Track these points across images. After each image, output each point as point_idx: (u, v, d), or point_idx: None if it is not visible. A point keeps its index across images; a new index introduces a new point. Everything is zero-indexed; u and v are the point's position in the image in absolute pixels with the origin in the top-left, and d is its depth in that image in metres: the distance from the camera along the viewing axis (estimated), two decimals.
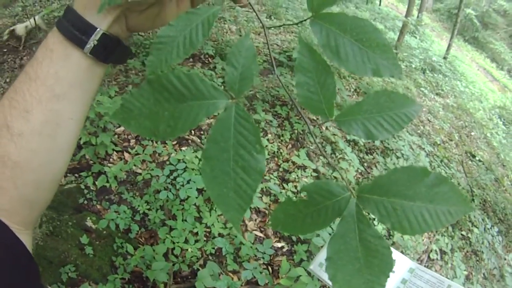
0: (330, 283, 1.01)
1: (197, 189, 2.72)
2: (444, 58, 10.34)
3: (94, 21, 0.58)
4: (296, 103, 0.56)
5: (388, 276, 0.48)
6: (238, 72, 0.52)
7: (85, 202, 2.66)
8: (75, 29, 0.57)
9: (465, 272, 3.87)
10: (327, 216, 0.50)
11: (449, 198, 0.47)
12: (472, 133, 7.04)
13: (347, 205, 0.50)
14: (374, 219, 0.50)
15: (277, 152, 3.58)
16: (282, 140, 3.75)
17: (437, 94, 7.92)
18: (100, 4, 0.52)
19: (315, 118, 4.22)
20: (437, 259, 3.80)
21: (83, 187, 2.71)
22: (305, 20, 0.57)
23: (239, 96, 0.51)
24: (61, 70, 0.58)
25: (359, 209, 0.49)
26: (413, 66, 8.39)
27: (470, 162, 5.93)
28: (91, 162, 2.88)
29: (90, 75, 0.61)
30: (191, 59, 4.41)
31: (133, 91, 0.50)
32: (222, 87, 0.49)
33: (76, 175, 2.81)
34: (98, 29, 0.58)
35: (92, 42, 0.58)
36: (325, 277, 1.03)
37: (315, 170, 3.53)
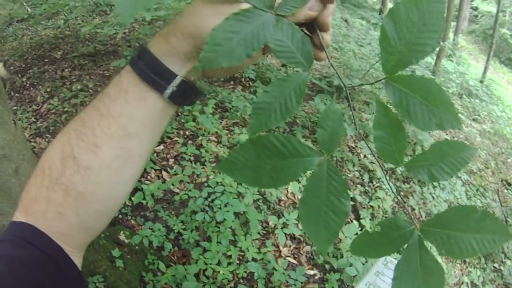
0: None
1: (234, 213, 2.73)
2: (481, 81, 10.13)
3: (174, 68, 0.58)
4: (373, 153, 0.66)
5: (443, 285, 0.58)
6: (327, 133, 0.61)
7: (120, 216, 2.70)
8: (152, 73, 0.58)
9: None
10: (396, 244, 0.61)
11: (493, 230, 0.57)
12: (509, 160, 6.84)
13: (411, 236, 0.60)
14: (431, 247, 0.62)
15: None
16: None
17: (473, 120, 7.75)
18: (194, 68, 0.57)
19: (354, 146, 4.19)
20: None
21: None
22: (380, 81, 0.65)
23: (329, 154, 0.60)
24: (135, 111, 0.59)
25: (421, 239, 0.59)
26: (450, 91, 8.24)
27: (505, 191, 5.78)
28: None
29: (163, 116, 0.63)
30: (232, 82, 4.46)
31: (237, 149, 0.58)
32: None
33: None
34: (178, 76, 0.59)
35: (171, 88, 0.59)
36: None
37: (352, 199, 3.49)
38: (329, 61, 0.67)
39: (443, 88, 0.59)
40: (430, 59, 9.22)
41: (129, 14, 0.47)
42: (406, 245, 0.60)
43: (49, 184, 0.58)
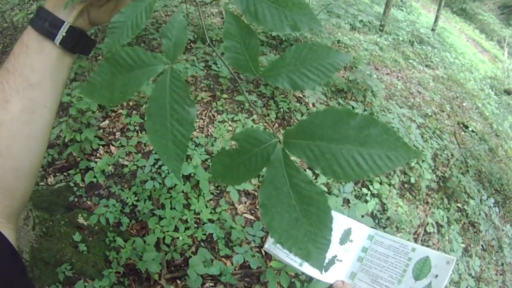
0: (286, 260, 0.99)
1: (183, 176, 2.71)
2: (432, 30, 10.27)
3: (62, 16, 0.67)
4: (228, 66, 0.64)
5: (331, 229, 0.47)
6: (172, 42, 0.62)
7: (76, 199, 2.66)
8: (47, 24, 0.66)
9: (463, 245, 3.88)
10: (257, 163, 0.52)
11: (383, 142, 0.45)
12: (464, 104, 7.02)
13: (273, 151, 0.51)
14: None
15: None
16: (269, 120, 3.73)
17: (426, 65, 7.88)
18: (65, 2, 0.63)
19: (301, 95, 4.20)
20: (434, 232, 3.81)
21: (72, 184, 2.70)
22: None
23: (174, 61, 0.61)
24: (35, 61, 0.66)
25: (286, 154, 0.50)
26: (401, 38, 8.33)
27: (463, 133, 5.92)
28: (78, 159, 2.86)
29: (60, 65, 0.70)
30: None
31: (96, 69, 0.61)
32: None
33: (65, 173, 2.80)
34: (65, 22, 0.67)
35: (61, 34, 0.66)
36: (280, 255, 1.01)
37: None
38: None
39: None
40: (378, 8, 9.28)
41: None
42: (268, 164, 0.52)
43: None
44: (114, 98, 0.60)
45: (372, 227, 1.06)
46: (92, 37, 0.74)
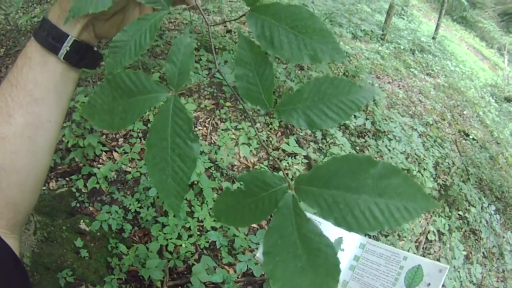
0: None
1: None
2: (433, 38, 10.31)
3: (66, 29, 0.64)
4: (238, 96, 0.58)
5: (338, 281, 0.44)
6: (177, 68, 0.57)
7: (78, 205, 2.65)
8: (50, 37, 0.64)
9: (464, 252, 3.88)
10: (264, 208, 0.48)
11: (403, 192, 0.42)
12: (465, 112, 7.03)
13: (283, 197, 0.47)
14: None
15: (267, 140, 3.57)
16: (271, 128, 3.72)
17: (427, 74, 7.90)
18: (66, 16, 0.58)
19: None
20: (435, 240, 3.80)
21: (74, 190, 2.69)
22: (244, 15, 0.58)
23: (178, 89, 0.56)
24: (39, 75, 0.64)
25: (296, 202, 0.47)
26: (402, 47, 8.36)
27: (464, 141, 5.92)
28: (81, 164, 2.86)
29: (65, 79, 0.67)
30: None
31: (96, 89, 0.57)
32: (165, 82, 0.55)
33: (67, 179, 2.79)
34: (69, 36, 0.64)
35: (65, 48, 0.64)
36: None
37: (305, 157, 3.51)
38: (198, 7, 0.65)
39: (316, 15, 0.53)
40: (380, 17, 9.31)
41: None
42: (276, 209, 0.48)
43: None
44: (115, 124, 0.56)
45: (368, 236, 1.06)
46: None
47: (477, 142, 6.04)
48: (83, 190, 2.74)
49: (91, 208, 2.69)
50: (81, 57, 0.67)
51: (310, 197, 0.45)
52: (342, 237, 1.04)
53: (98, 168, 2.83)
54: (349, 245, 1.04)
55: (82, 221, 2.52)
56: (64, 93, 0.68)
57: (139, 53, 0.58)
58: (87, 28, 0.67)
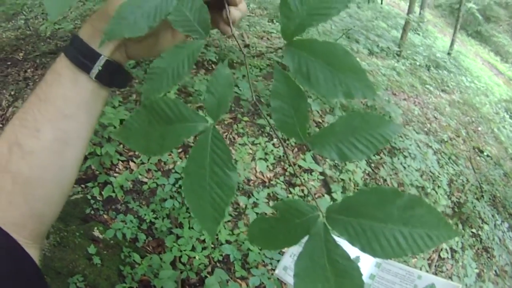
0: None
1: None
2: (448, 54, 10.29)
3: (99, 49, 0.63)
4: (273, 128, 0.59)
5: None
6: (216, 99, 0.58)
7: (92, 212, 2.67)
8: (81, 55, 0.63)
9: (476, 270, 3.84)
10: (297, 234, 0.51)
11: (427, 222, 0.45)
12: (479, 128, 6.99)
13: (315, 225, 0.51)
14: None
15: (283, 156, 3.58)
16: (288, 144, 3.74)
17: (442, 90, 7.88)
18: (99, 37, 0.58)
19: (321, 120, 4.22)
20: (448, 257, 3.78)
21: (89, 197, 2.72)
22: (280, 49, 0.59)
23: (216, 120, 0.57)
24: (69, 92, 0.63)
25: (327, 229, 0.50)
26: (418, 63, 8.36)
27: (478, 158, 5.89)
28: (97, 172, 2.89)
29: (95, 98, 0.66)
30: (194, 66, 4.39)
31: (133, 114, 0.58)
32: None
33: (83, 185, 2.82)
34: (102, 56, 0.63)
35: (97, 67, 0.63)
36: (290, 281, 1.02)
37: (321, 173, 3.51)
38: (233, 35, 0.66)
39: (351, 53, 0.54)
40: (396, 33, 9.31)
41: (57, 12, 0.53)
42: (307, 236, 0.51)
43: None
44: (151, 149, 0.57)
45: None
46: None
47: (491, 159, 6.00)
48: (98, 198, 2.76)
49: (105, 216, 2.71)
50: (112, 77, 0.67)
51: (340, 225, 0.49)
52: (359, 256, 1.05)
53: (115, 177, 2.86)
54: (365, 263, 1.05)
55: (96, 228, 2.54)
56: (93, 111, 0.67)
57: (177, 81, 0.59)
58: (119, 49, 0.67)
